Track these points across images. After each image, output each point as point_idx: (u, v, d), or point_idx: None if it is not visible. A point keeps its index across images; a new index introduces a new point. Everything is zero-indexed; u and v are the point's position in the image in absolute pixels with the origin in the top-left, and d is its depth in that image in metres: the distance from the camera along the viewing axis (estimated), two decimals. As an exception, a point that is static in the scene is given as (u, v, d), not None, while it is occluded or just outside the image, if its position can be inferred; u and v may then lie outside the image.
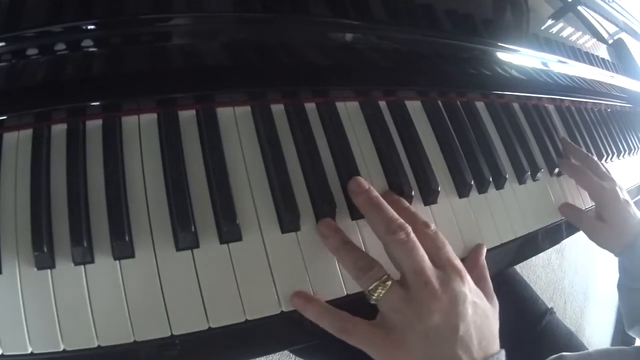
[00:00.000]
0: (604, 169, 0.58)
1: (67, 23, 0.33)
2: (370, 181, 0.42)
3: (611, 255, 0.58)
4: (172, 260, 0.34)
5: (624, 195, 0.56)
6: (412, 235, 0.35)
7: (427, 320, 0.33)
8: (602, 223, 0.55)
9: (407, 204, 0.40)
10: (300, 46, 0.44)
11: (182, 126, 0.38)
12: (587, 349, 0.62)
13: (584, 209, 0.59)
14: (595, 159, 0.59)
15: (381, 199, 0.38)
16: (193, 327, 0.33)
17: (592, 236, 0.57)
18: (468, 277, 0.36)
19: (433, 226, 0.38)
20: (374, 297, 0.34)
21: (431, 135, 0.48)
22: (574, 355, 0.50)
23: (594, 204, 0.58)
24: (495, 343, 0.36)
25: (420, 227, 0.37)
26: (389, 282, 0.34)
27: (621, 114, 0.86)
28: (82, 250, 0.32)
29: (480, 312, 0.36)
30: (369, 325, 0.35)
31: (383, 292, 0.34)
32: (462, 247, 0.44)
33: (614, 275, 0.59)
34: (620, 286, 0.59)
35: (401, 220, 0.36)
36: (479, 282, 0.39)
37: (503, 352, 0.35)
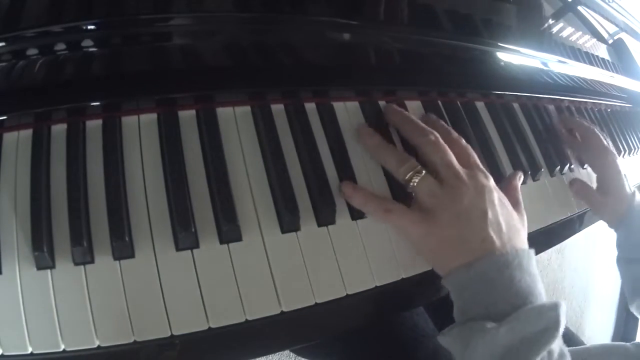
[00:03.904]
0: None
1: (67, 23, 0.33)
2: (370, 181, 0.42)
3: (611, 255, 0.60)
4: (172, 260, 0.34)
5: (618, 168, 0.60)
6: (441, 139, 0.41)
7: (458, 202, 0.38)
8: (604, 196, 0.59)
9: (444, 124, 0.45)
10: (300, 46, 0.44)
11: (182, 126, 0.38)
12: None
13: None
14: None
15: (410, 117, 0.44)
16: (193, 327, 0.32)
17: (596, 209, 0.60)
18: (492, 180, 0.41)
19: (464, 141, 0.43)
20: (411, 185, 0.39)
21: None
22: (571, 349, 0.50)
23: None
24: (525, 243, 0.40)
25: (454, 137, 0.43)
26: (423, 172, 0.39)
27: (621, 114, 0.86)
28: (82, 250, 0.32)
29: (506, 211, 0.40)
30: (408, 208, 0.39)
31: (418, 179, 0.39)
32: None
33: (614, 275, 0.60)
34: (619, 260, 0.62)
35: (430, 129, 0.42)
36: (510, 200, 0.43)
37: (533, 251, 0.38)
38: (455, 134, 0.44)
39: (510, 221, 0.40)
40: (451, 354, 0.39)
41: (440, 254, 0.38)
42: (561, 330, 0.33)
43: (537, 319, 0.33)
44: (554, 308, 0.34)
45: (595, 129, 0.61)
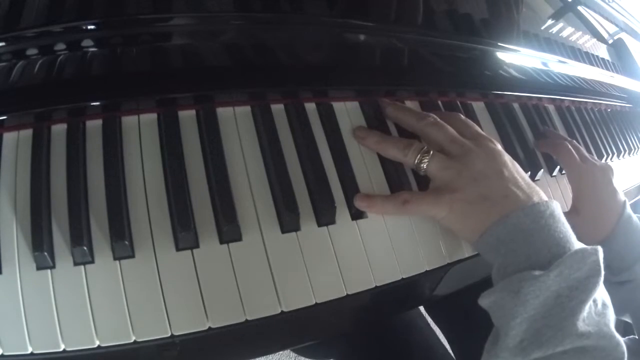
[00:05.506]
0: (586, 153, 0.56)
1: (67, 23, 0.33)
2: (370, 181, 0.42)
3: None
4: (172, 260, 0.34)
5: (606, 182, 0.53)
6: (439, 119, 0.42)
7: (472, 167, 0.38)
8: (576, 218, 0.51)
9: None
10: (300, 46, 0.44)
11: (182, 126, 0.38)
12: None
13: None
14: (577, 145, 0.57)
15: (406, 106, 0.46)
16: (193, 327, 0.33)
17: None
18: (500, 145, 0.42)
19: (462, 115, 0.44)
20: (423, 167, 0.40)
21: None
22: None
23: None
24: (544, 196, 0.38)
25: (451, 114, 0.44)
26: (431, 151, 0.40)
27: (621, 114, 0.86)
28: (82, 250, 0.32)
29: (521, 170, 0.40)
30: (424, 192, 0.40)
31: (427, 159, 0.39)
32: (463, 247, 0.44)
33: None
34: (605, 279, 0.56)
35: (426, 112, 0.43)
36: None
37: (558, 204, 0.38)
38: (451, 112, 0.45)
39: (527, 178, 0.40)
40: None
41: (469, 221, 0.38)
42: (602, 276, 0.33)
43: (581, 264, 0.33)
44: (594, 252, 0.33)
45: (565, 142, 0.56)
